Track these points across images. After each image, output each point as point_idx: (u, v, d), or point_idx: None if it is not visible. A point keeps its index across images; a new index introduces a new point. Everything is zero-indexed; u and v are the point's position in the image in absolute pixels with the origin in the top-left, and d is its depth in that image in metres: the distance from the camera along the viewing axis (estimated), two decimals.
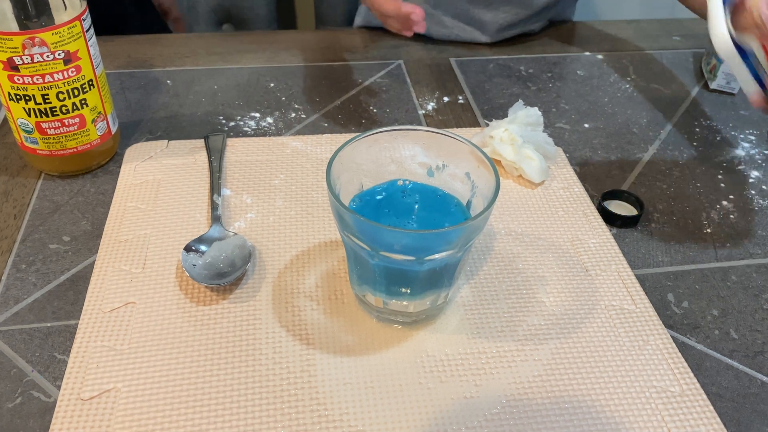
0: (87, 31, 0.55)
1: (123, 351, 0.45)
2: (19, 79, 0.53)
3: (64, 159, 0.59)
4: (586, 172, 0.64)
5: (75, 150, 0.58)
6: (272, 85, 0.75)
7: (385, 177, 0.48)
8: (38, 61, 0.52)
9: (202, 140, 0.64)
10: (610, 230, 0.58)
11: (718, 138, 0.70)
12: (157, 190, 0.58)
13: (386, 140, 0.47)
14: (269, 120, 0.69)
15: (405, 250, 0.40)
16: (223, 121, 0.69)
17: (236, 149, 0.63)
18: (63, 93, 0.55)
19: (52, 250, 0.53)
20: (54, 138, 0.57)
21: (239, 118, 0.69)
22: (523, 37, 0.88)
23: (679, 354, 0.46)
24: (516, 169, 0.61)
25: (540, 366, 0.45)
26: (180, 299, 0.48)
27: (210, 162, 0.60)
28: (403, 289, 0.44)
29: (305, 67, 0.79)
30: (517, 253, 0.54)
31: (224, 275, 0.49)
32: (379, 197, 0.47)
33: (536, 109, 0.63)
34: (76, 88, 0.55)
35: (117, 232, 0.54)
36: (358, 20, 0.93)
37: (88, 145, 0.59)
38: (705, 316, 0.51)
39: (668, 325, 0.50)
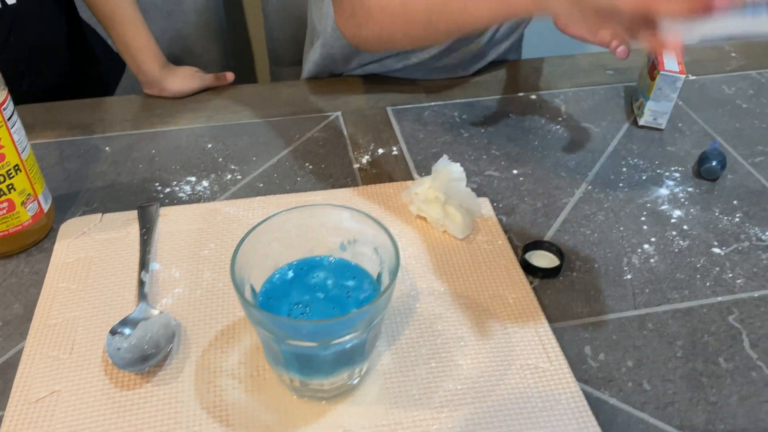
0: (9, 119, 0.56)
1: None
2: None
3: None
4: (512, 221, 0.66)
5: (6, 233, 0.59)
6: (210, 145, 0.77)
7: (298, 254, 0.49)
8: None
9: (136, 211, 0.65)
10: (532, 282, 0.59)
11: (644, 177, 0.73)
12: (88, 268, 0.59)
13: (297, 219, 0.48)
14: (205, 183, 0.71)
15: (308, 338, 0.42)
16: (159, 188, 0.70)
17: (169, 219, 0.64)
18: None
19: None
20: None
21: (175, 183, 0.71)
22: (460, 79, 0.90)
23: (590, 412, 0.48)
24: (441, 226, 0.62)
25: None
26: (104, 385, 0.49)
27: (141, 235, 0.62)
28: (315, 370, 0.45)
29: (243, 124, 0.81)
30: (438, 314, 0.55)
31: (148, 357, 0.50)
32: (290, 277, 0.48)
33: (458, 165, 0.65)
34: (2, 175, 0.57)
35: (47, 316, 0.55)
36: (306, 72, 0.95)
37: (20, 227, 0.60)
38: (620, 368, 0.53)
39: (583, 380, 0.52)
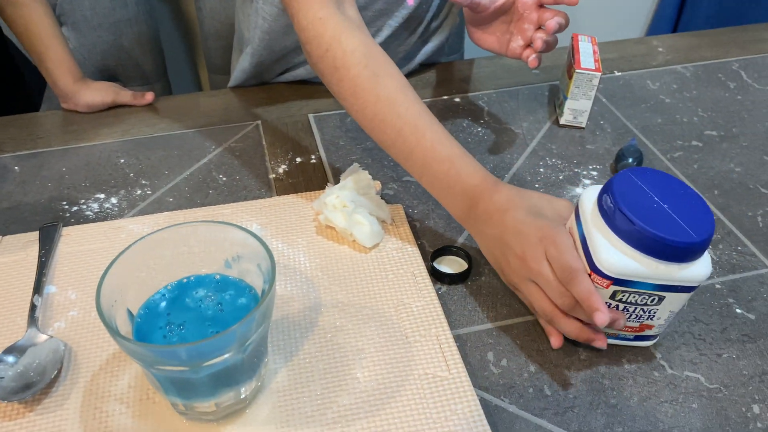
0: None
1: None
2: None
3: None
4: (425, 227, 0.66)
5: None
6: (122, 160, 0.75)
7: (180, 273, 0.48)
8: None
9: (37, 233, 0.63)
10: (440, 289, 0.59)
11: (560, 177, 0.72)
12: None
13: (178, 236, 0.47)
14: (113, 200, 0.69)
15: (177, 362, 0.40)
16: (66, 207, 0.68)
17: (71, 239, 0.63)
18: None
19: None
20: None
21: (83, 201, 0.69)
22: None
23: (485, 422, 0.47)
24: (349, 235, 0.61)
25: None
26: None
27: (39, 257, 0.60)
28: (195, 393, 0.44)
29: (159, 137, 0.79)
30: (339, 327, 0.54)
31: (33, 385, 0.49)
32: (169, 298, 0.47)
33: (366, 173, 0.64)
34: None
35: None
36: (233, 80, 0.94)
37: None
38: (522, 373, 0.52)
39: (484, 387, 0.51)
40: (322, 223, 0.63)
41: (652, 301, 0.49)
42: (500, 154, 0.76)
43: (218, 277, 0.48)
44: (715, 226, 0.51)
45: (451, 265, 0.61)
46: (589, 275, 0.49)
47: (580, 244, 0.50)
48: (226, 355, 0.41)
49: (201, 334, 0.44)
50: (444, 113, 0.83)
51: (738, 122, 0.82)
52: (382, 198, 0.66)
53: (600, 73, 0.76)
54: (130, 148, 0.77)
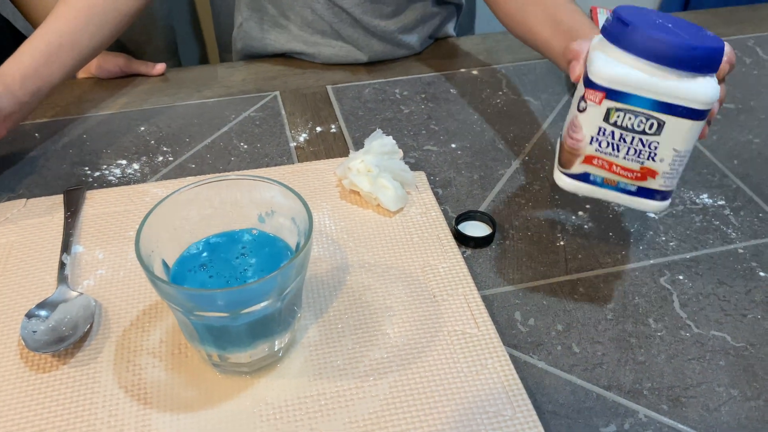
0: None
1: None
2: None
3: None
4: (447, 194, 0.66)
5: None
6: (143, 128, 0.75)
7: (215, 228, 0.48)
8: None
9: (61, 196, 0.63)
10: (465, 252, 0.59)
11: None
12: (8, 253, 0.57)
13: (212, 191, 0.47)
14: (135, 166, 0.69)
15: (217, 308, 0.41)
16: (89, 172, 0.68)
17: (95, 202, 0.63)
18: None
19: None
20: None
21: (105, 167, 0.69)
22: (403, 58, 0.89)
23: (516, 375, 0.48)
24: (374, 199, 0.62)
25: (377, 402, 0.46)
26: (19, 369, 0.48)
27: (65, 218, 0.60)
28: (231, 343, 0.44)
29: (178, 106, 0.79)
30: (367, 286, 0.54)
31: (65, 339, 0.49)
32: (207, 250, 0.47)
33: (390, 138, 0.64)
34: None
35: None
36: (236, 50, 0.94)
37: None
38: (549, 332, 0.53)
39: (512, 345, 0.51)
40: (347, 187, 0.63)
41: (651, 127, 0.45)
42: (519, 125, 0.76)
43: (255, 232, 0.48)
44: (723, 47, 0.44)
45: (474, 229, 0.61)
46: (583, 96, 0.46)
47: (582, 78, 0.47)
48: (265, 303, 0.41)
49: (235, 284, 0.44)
50: (461, 85, 0.83)
51: (755, 96, 0.82)
52: None
53: None
54: (150, 117, 0.77)
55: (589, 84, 0.45)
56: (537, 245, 0.60)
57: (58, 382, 0.47)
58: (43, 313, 0.50)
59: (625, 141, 0.46)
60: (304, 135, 0.74)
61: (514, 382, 0.47)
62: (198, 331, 0.43)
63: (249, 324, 0.42)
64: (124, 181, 0.67)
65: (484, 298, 0.55)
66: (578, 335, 0.52)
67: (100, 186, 0.66)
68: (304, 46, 0.87)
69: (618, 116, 0.45)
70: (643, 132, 0.45)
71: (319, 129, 0.75)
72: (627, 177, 0.47)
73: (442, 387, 0.47)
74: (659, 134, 0.45)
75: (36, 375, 0.47)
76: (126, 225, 0.60)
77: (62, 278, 0.53)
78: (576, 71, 0.50)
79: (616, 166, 0.47)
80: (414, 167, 0.69)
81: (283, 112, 0.78)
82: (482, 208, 0.64)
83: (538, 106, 0.79)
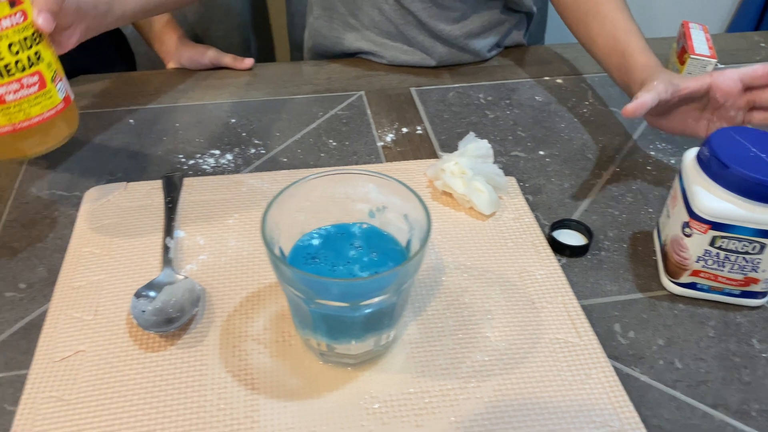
0: None
1: (70, 401, 0.45)
2: None
3: (28, 134, 0.51)
4: (538, 200, 0.65)
5: (41, 118, 0.51)
6: (233, 120, 0.76)
7: (326, 220, 0.49)
8: None
9: (160, 181, 0.65)
10: (560, 260, 0.59)
11: (672, 161, 0.71)
12: (113, 234, 0.59)
13: (326, 184, 0.48)
14: (228, 157, 0.70)
15: (338, 298, 0.41)
16: (183, 160, 0.70)
17: (193, 189, 0.64)
18: (15, 44, 0.47)
19: (7, 299, 0.54)
20: (16, 106, 0.49)
21: (199, 156, 0.70)
22: (483, 63, 0.89)
23: (621, 387, 0.47)
24: (467, 202, 0.62)
25: (482, 404, 0.46)
26: (129, 346, 0.49)
27: (166, 203, 0.61)
28: (343, 333, 0.44)
29: (267, 101, 0.80)
30: (465, 287, 0.54)
31: (173, 320, 0.50)
32: (319, 241, 0.47)
33: (485, 141, 0.64)
34: (27, 38, 0.48)
35: (71, 279, 0.54)
36: (307, 48, 0.96)
37: (54, 111, 0.52)
38: (650, 346, 0.52)
39: (613, 357, 0.51)
40: (439, 189, 0.63)
41: (753, 249, 0.50)
42: (608, 136, 0.75)
43: (365, 226, 0.49)
44: None
45: (568, 238, 0.61)
46: (687, 223, 0.51)
47: (681, 199, 0.52)
48: (384, 296, 0.41)
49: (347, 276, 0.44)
50: (546, 93, 0.83)
51: None
52: None
53: (716, 60, 0.75)
54: (239, 110, 0.78)
55: (694, 216, 0.51)
56: (633, 258, 0.59)
57: (167, 362, 0.48)
58: (150, 293, 0.52)
59: (729, 260, 0.51)
60: (390, 135, 0.75)
61: (619, 393, 0.47)
62: (313, 319, 0.44)
63: (365, 315, 0.43)
64: (219, 170, 0.68)
65: (582, 308, 0.54)
66: (680, 351, 0.51)
67: (195, 174, 0.68)
68: (373, 46, 0.88)
69: (722, 242, 0.51)
70: (746, 252, 0.51)
71: (405, 130, 0.76)
72: (731, 284, 0.53)
73: (547, 394, 0.46)
74: (761, 253, 0.50)
75: (145, 354, 0.48)
76: (225, 213, 0.61)
77: (167, 261, 0.55)
78: (632, 115, 0.60)
79: (722, 277, 0.53)
80: (503, 173, 0.68)
81: (368, 111, 0.79)
82: (575, 217, 0.64)
83: (626, 119, 0.78)
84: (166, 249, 0.56)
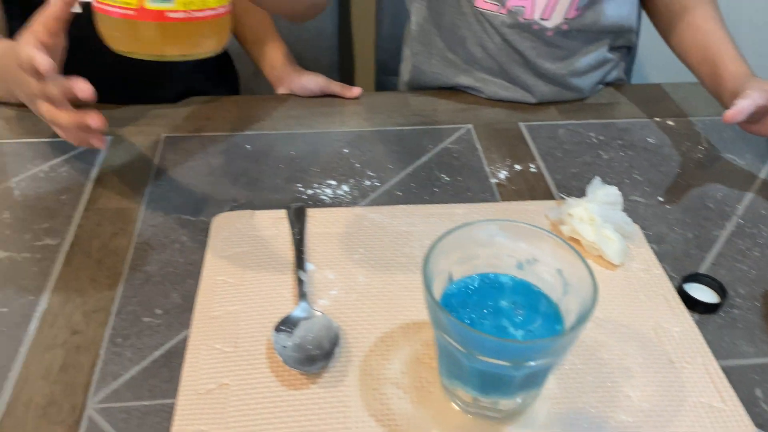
0: None
1: None
2: None
3: (196, 30, 0.49)
4: (663, 251, 0.64)
5: (214, 13, 0.49)
6: (346, 150, 0.77)
7: (474, 269, 0.49)
8: None
9: (285, 211, 0.66)
10: (692, 316, 0.57)
11: None
12: (244, 263, 0.60)
13: (477, 232, 0.48)
14: (345, 188, 0.71)
15: (503, 357, 0.41)
16: (302, 189, 0.71)
17: (316, 220, 0.65)
18: None
19: (146, 324, 0.55)
20: None
21: (316, 185, 0.71)
22: (587, 100, 0.88)
23: None
24: (595, 250, 0.61)
25: None
26: (271, 382, 0.50)
27: (293, 235, 0.62)
28: (497, 389, 0.44)
29: (377, 131, 0.81)
30: (601, 342, 0.54)
31: (313, 359, 0.50)
32: (469, 291, 0.47)
33: (615, 188, 0.63)
34: None
35: (208, 308, 0.55)
36: (403, 82, 0.96)
37: (223, 9, 0.50)
38: None
39: (758, 424, 0.49)
40: (565, 234, 0.63)
41: None
42: (727, 183, 0.73)
43: (511, 277, 0.48)
44: None
45: (699, 293, 0.59)
46: None
47: None
48: (549, 359, 0.41)
49: (500, 333, 0.44)
50: (659, 135, 0.81)
51: None
52: None
53: None
54: (351, 140, 0.79)
55: None
56: None
57: (310, 401, 0.48)
58: (288, 328, 0.52)
59: None
60: (504, 172, 0.74)
61: None
62: (468, 373, 0.43)
63: (524, 375, 0.42)
64: (336, 202, 0.69)
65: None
66: None
67: (315, 204, 0.68)
68: (473, 81, 0.88)
69: None
70: None
71: (518, 167, 0.75)
72: None
73: None
74: None
75: (288, 391, 0.49)
76: (350, 247, 0.62)
77: (302, 295, 0.55)
78: (732, 120, 0.66)
79: None
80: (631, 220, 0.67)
81: (478, 146, 0.79)
82: (702, 270, 0.62)
83: (743, 165, 0.77)
84: (300, 282, 0.57)
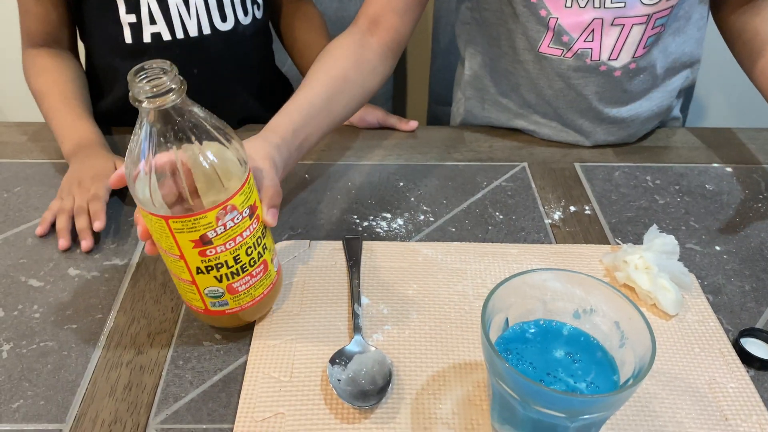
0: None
1: None
2: (211, 251, 0.50)
3: (250, 311, 0.56)
4: (719, 302, 0.63)
5: (262, 296, 0.56)
6: (401, 184, 0.79)
7: (530, 315, 0.49)
8: (230, 227, 0.49)
9: (341, 242, 0.67)
10: (748, 372, 0.56)
11: None
12: (302, 293, 0.61)
13: (536, 280, 0.48)
14: (399, 222, 0.72)
15: (560, 409, 0.41)
16: (357, 221, 0.72)
17: (372, 253, 0.66)
18: (251, 247, 0.52)
19: (206, 348, 0.58)
20: (245, 293, 0.54)
21: (372, 218, 0.73)
22: (642, 141, 0.88)
23: None
24: (650, 299, 0.60)
25: None
26: (325, 415, 0.51)
27: (349, 267, 0.64)
28: None
29: (432, 165, 0.82)
30: (653, 393, 0.53)
31: (366, 393, 0.51)
32: (526, 338, 0.48)
33: (672, 237, 0.63)
34: (259, 237, 0.53)
35: (266, 336, 0.57)
36: (458, 119, 0.97)
37: (271, 286, 0.57)
38: None
39: None
40: (619, 281, 0.63)
41: None
42: None
43: (572, 326, 0.49)
44: None
45: (756, 348, 0.58)
46: None
47: None
48: (605, 412, 0.41)
49: (554, 383, 0.44)
50: (717, 181, 0.80)
51: None
52: None
53: None
54: (406, 173, 0.81)
55: None
56: None
57: None
58: (343, 361, 0.54)
59: None
60: (558, 213, 0.75)
61: None
62: (519, 419, 0.44)
63: (578, 426, 0.42)
64: (391, 235, 0.71)
65: None
66: None
67: (369, 236, 0.70)
68: (526, 124, 0.89)
69: None
70: None
71: (572, 209, 0.76)
72: None
73: None
74: None
75: (341, 425, 0.50)
76: (404, 282, 0.63)
77: (357, 328, 0.57)
78: None
79: None
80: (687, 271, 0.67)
81: (533, 185, 0.79)
82: (759, 325, 0.61)
83: None
84: (355, 315, 0.58)
